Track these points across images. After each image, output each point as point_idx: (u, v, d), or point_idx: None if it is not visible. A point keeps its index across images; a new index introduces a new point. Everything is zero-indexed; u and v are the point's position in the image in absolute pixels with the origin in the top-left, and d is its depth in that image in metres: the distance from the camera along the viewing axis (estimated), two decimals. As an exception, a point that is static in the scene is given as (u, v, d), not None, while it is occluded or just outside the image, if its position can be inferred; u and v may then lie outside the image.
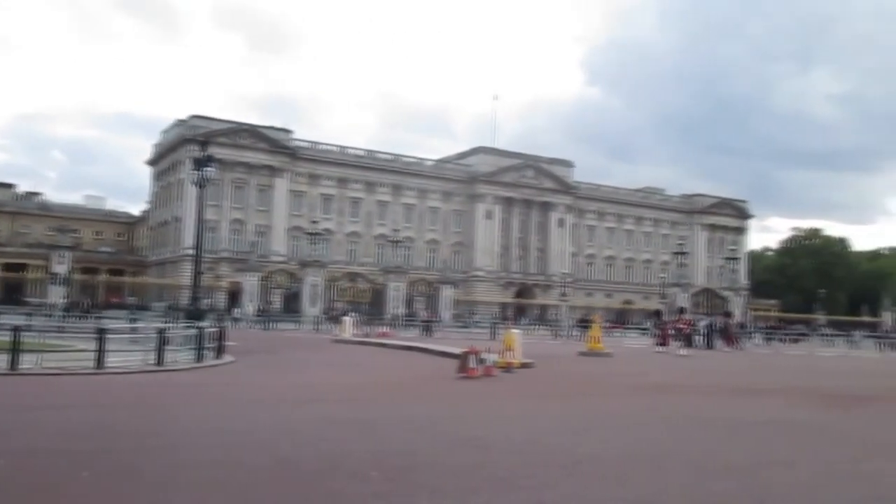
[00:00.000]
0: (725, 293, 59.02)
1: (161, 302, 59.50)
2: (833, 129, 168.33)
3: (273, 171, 75.88)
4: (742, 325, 46.67)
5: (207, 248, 61.66)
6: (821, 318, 69.84)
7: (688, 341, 30.69)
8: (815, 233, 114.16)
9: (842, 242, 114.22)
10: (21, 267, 61.33)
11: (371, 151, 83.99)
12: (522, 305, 77.77)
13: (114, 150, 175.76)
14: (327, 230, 74.63)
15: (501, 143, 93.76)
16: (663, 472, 7.21)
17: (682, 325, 31.61)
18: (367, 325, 40.31)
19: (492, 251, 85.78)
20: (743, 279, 78.40)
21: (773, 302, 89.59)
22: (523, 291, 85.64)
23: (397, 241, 63.43)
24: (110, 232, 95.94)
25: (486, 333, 38.22)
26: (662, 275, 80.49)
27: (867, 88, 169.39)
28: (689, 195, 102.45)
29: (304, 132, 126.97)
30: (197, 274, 24.70)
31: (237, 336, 24.46)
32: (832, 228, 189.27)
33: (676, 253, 63.05)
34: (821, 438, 9.77)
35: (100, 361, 14.36)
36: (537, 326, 54.14)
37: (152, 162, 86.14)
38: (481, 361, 16.19)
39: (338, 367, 19.15)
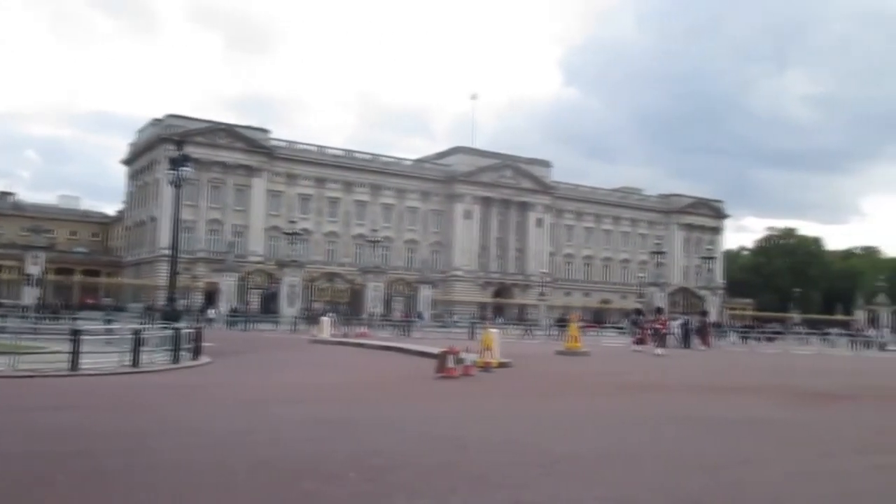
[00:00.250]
0: (702, 292, 59.48)
1: (137, 303, 58.99)
2: (808, 130, 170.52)
3: (250, 170, 75.47)
4: (716, 325, 47.08)
5: (184, 249, 61.24)
6: (795, 316, 70.65)
7: (664, 341, 30.92)
8: (789, 232, 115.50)
9: (816, 242, 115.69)
10: (-6, 268, 60.46)
11: (349, 151, 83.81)
12: (501, 305, 78.00)
13: (89, 149, 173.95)
14: (305, 230, 74.28)
15: (480, 143, 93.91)
16: (640, 470, 7.28)
17: (658, 325, 31.83)
18: (345, 326, 40.26)
19: (470, 251, 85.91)
20: (719, 278, 79.09)
21: (748, 301, 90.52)
22: (502, 291, 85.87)
23: (376, 241, 63.29)
24: (85, 232, 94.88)
25: (464, 333, 38.29)
26: (640, 274, 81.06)
27: (842, 90, 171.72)
28: (666, 195, 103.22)
29: (281, 132, 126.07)
30: (173, 274, 24.55)
31: (214, 337, 24.30)
32: (806, 228, 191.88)
33: (654, 252, 63.49)
34: (793, 436, 9.91)
35: (74, 363, 14.21)
36: (516, 326, 54.21)
37: (128, 161, 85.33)
38: (460, 361, 16.23)
39: (315, 367, 19.10)
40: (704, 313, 44.71)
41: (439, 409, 11.46)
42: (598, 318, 70.25)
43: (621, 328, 55.93)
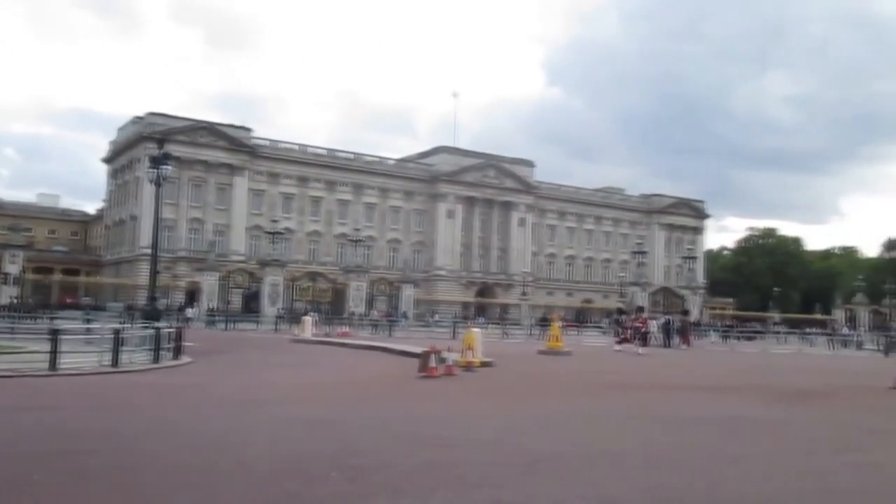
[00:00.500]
0: (683, 292, 59.89)
1: (117, 302, 58.58)
2: (788, 130, 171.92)
3: (232, 169, 75.05)
4: (696, 324, 47.42)
5: (165, 248, 60.97)
6: (775, 316, 71.26)
7: (645, 340, 31.11)
8: (770, 232, 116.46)
9: (796, 242, 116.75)
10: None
11: (332, 150, 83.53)
12: (483, 304, 78.10)
13: (69, 147, 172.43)
14: (287, 229, 73.98)
15: (463, 143, 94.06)
16: (621, 469, 7.32)
17: (639, 324, 32.01)
18: (327, 325, 40.17)
19: (453, 250, 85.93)
20: (700, 278, 79.59)
21: (729, 300, 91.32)
22: (484, 290, 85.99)
23: (358, 241, 63.14)
24: (65, 231, 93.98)
25: (447, 332, 38.29)
26: (622, 274, 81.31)
27: (821, 91, 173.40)
28: (647, 195, 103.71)
29: (263, 131, 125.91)
30: (153, 274, 24.42)
31: (195, 336, 24.18)
32: (786, 228, 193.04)
33: (635, 252, 63.92)
34: (772, 434, 10.00)
35: (53, 363, 14.08)
36: (499, 325, 54.30)
37: (108, 160, 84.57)
38: (442, 361, 16.24)
39: (297, 367, 19.04)
40: (686, 313, 45.04)
41: (421, 409, 11.46)
42: (580, 318, 70.53)
43: (601, 328, 56.26)
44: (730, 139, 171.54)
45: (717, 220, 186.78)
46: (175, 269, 65.24)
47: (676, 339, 36.50)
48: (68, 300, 61.42)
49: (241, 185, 75.51)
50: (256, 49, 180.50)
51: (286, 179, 78.90)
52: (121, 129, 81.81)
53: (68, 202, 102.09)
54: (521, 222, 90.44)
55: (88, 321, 30.92)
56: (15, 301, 43.76)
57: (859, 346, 44.90)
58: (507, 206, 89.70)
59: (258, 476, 6.44)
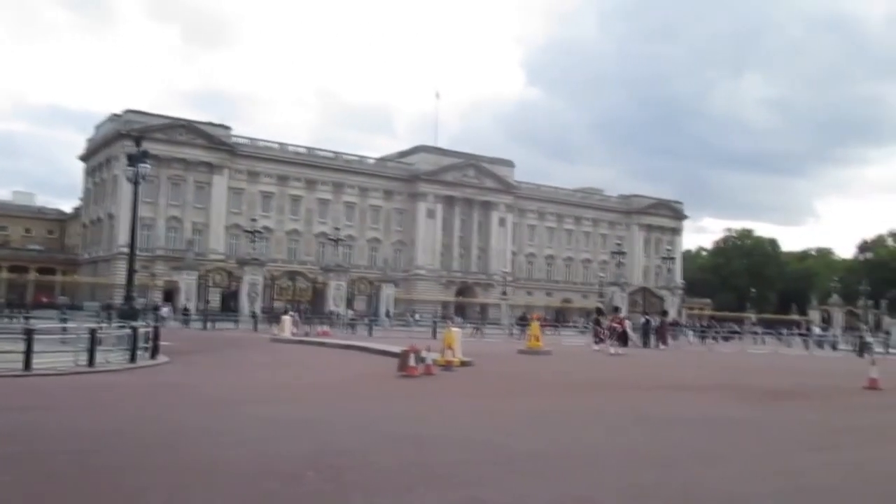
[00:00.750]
0: (662, 292, 60.33)
1: (94, 301, 58.01)
2: (764, 132, 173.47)
3: (211, 167, 74.55)
4: (674, 324, 47.72)
5: (143, 247, 60.48)
6: (752, 316, 71.86)
7: (622, 340, 31.26)
8: (746, 234, 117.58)
9: (772, 243, 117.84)
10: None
11: (312, 149, 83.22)
12: (463, 304, 78.16)
13: (44, 144, 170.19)
14: (267, 228, 73.63)
15: (443, 143, 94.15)
16: (598, 467, 7.36)
17: (616, 324, 32.17)
18: (307, 325, 40.00)
19: (433, 250, 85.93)
20: (678, 278, 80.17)
21: (707, 301, 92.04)
22: (464, 290, 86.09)
23: (338, 240, 62.97)
24: (40, 229, 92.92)
25: (427, 332, 38.27)
26: (601, 274, 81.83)
27: (797, 94, 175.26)
28: (626, 196, 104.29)
29: (242, 129, 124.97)
30: (131, 273, 24.16)
31: (173, 336, 24.01)
32: (763, 229, 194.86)
33: (614, 252, 64.23)
34: (748, 434, 10.08)
35: (27, 363, 13.90)
36: (475, 325, 54.36)
37: (85, 157, 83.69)
38: (421, 360, 16.24)
39: (276, 367, 18.93)
40: (664, 313, 45.37)
41: (400, 408, 11.44)
42: (559, 318, 70.80)
43: (579, 328, 56.51)
44: (707, 140, 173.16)
45: (694, 221, 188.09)
46: (153, 269, 64.74)
47: (654, 339, 36.71)
48: (44, 299, 60.77)
49: (220, 183, 75.02)
50: (235, 47, 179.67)
51: (266, 178, 78.52)
52: (98, 127, 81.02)
53: (44, 200, 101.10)
54: (501, 222, 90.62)
55: (64, 320, 30.60)
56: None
57: (834, 346, 45.39)
58: (487, 206, 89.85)
59: (235, 476, 6.40)
